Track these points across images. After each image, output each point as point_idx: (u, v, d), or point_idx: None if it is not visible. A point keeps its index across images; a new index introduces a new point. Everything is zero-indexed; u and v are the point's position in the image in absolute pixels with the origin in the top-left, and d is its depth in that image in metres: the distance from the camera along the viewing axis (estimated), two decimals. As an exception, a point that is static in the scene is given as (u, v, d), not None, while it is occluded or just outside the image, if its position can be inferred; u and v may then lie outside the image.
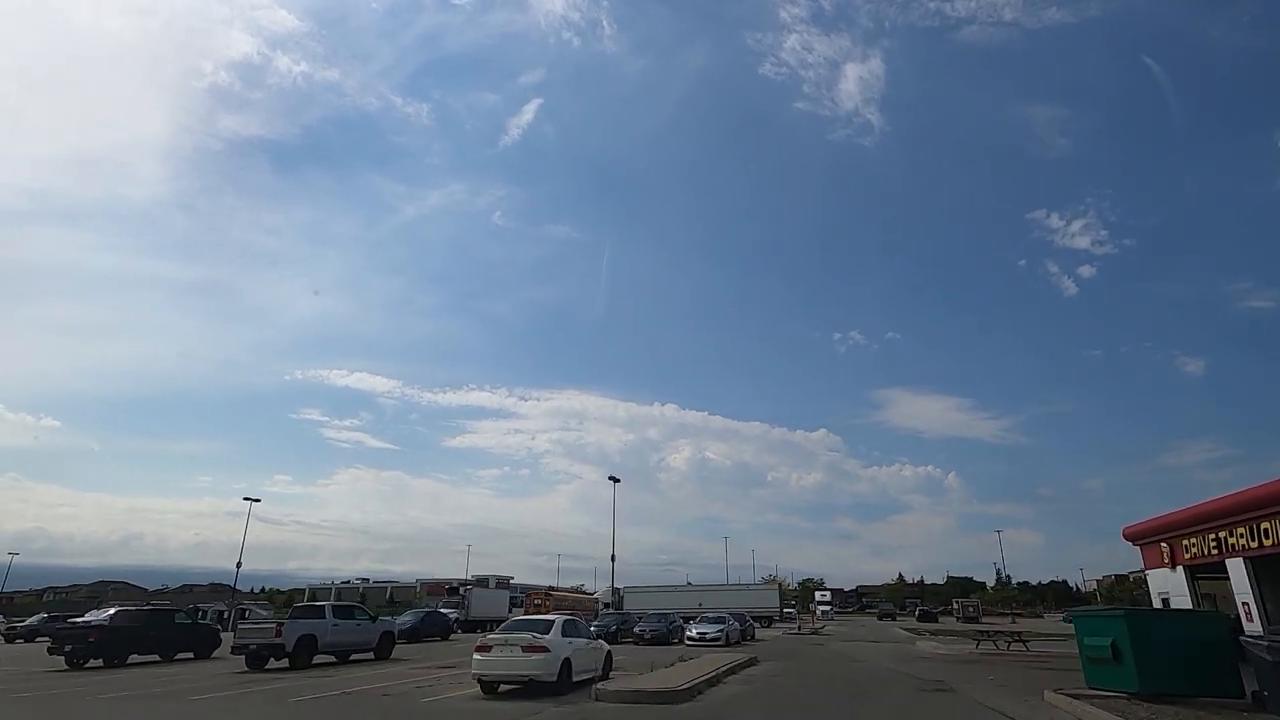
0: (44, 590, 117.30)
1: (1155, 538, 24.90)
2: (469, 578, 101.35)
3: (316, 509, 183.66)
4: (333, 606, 21.81)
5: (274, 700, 12.42)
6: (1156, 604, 25.73)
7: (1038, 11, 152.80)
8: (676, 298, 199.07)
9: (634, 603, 59.65)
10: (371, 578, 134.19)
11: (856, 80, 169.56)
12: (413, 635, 32.88)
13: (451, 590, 56.66)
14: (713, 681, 13.91)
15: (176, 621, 24.25)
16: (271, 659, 19.39)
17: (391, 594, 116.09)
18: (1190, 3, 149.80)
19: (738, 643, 29.94)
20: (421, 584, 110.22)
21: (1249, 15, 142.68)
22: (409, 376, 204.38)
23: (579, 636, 13.84)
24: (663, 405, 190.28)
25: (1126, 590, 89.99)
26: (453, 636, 37.26)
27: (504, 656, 12.30)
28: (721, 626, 28.90)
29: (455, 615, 47.28)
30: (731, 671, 16.32)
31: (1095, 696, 10.94)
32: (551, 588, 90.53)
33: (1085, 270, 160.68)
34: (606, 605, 57.14)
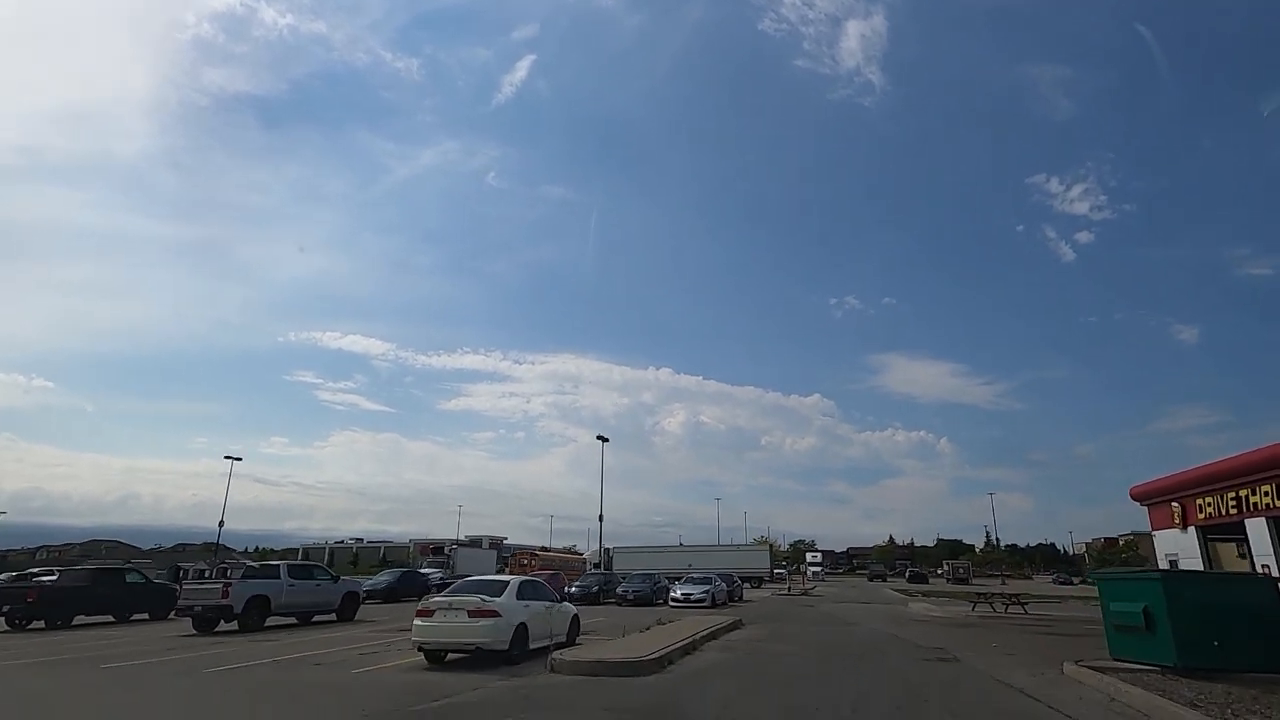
0: (38, 548, 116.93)
1: (1166, 497, 23.56)
2: (463, 538, 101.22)
3: (313, 470, 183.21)
4: (289, 565, 20.36)
5: (186, 670, 10.92)
6: (1164, 566, 24.58)
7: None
8: (672, 259, 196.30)
9: (624, 563, 58.91)
10: (367, 538, 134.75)
11: (858, 38, 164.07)
12: (389, 595, 31.70)
13: (436, 550, 55.72)
14: (688, 649, 12.49)
15: (127, 581, 22.82)
16: (222, 621, 18.11)
17: (385, 554, 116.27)
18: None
19: (724, 604, 28.84)
20: (415, 544, 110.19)
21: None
22: (403, 339, 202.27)
23: (539, 599, 12.34)
24: (657, 369, 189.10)
25: (1116, 553, 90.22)
26: (432, 597, 36.20)
27: (447, 622, 10.78)
28: (707, 587, 27.71)
29: (440, 575, 46.29)
30: (711, 636, 14.95)
31: (1124, 670, 9.51)
32: (543, 547, 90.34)
33: (1083, 236, 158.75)
34: (595, 565, 56.41)
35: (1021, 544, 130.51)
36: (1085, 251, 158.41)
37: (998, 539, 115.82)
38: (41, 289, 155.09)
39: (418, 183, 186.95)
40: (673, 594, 27.97)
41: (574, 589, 29.71)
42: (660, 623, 17.57)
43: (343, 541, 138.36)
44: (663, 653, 11.08)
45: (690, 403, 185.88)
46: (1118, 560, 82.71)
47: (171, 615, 21.86)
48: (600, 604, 28.95)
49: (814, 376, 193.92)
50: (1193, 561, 22.36)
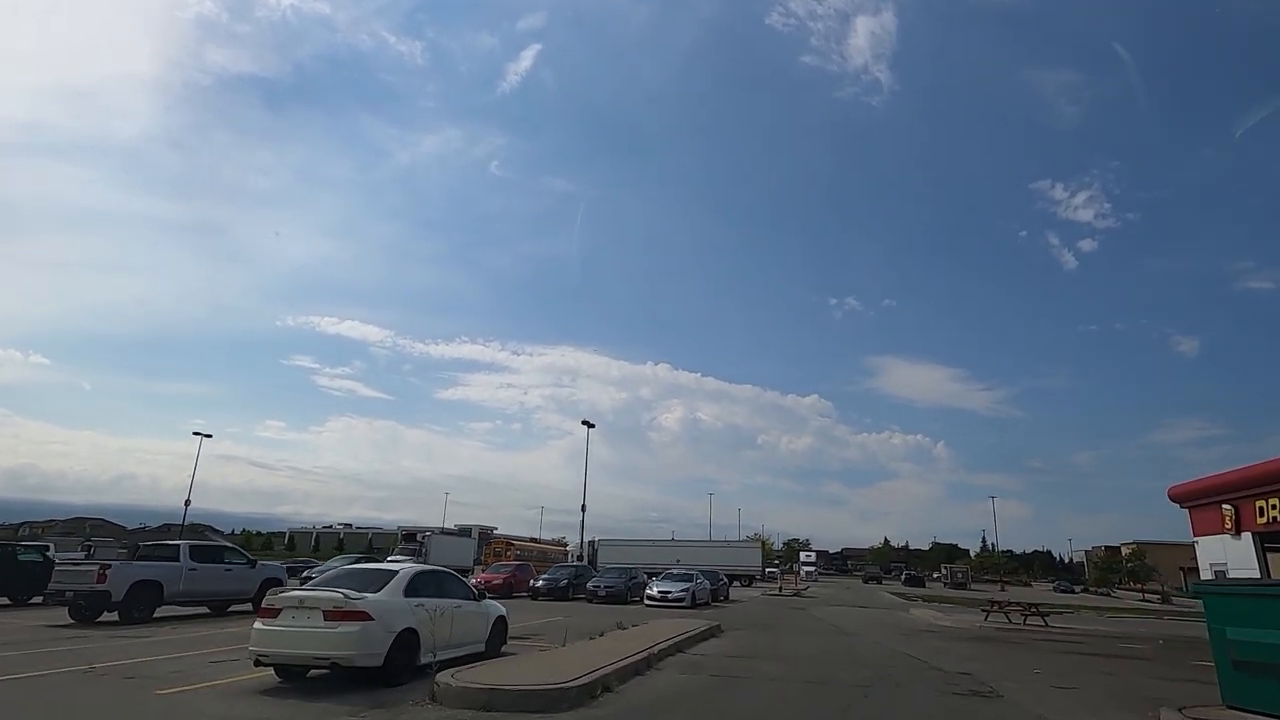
0: (20, 524, 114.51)
1: (1215, 498, 20.51)
2: (451, 526, 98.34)
3: (309, 455, 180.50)
4: (192, 547, 17.33)
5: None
6: (1208, 577, 21.61)
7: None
8: (673, 254, 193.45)
9: (609, 557, 56.01)
10: (357, 524, 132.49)
11: (867, 35, 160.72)
12: (338, 584, 28.75)
13: (409, 536, 52.62)
14: (640, 667, 9.47)
15: (20, 560, 19.81)
16: (106, 611, 15.18)
17: (371, 540, 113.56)
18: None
19: (705, 604, 25.84)
20: (403, 531, 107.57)
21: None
22: (401, 326, 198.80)
23: (442, 596, 9.30)
24: (655, 365, 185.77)
25: (1120, 563, 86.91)
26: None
27: (295, 626, 7.76)
28: (687, 585, 24.70)
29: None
30: (676, 649, 11.94)
31: (1258, 729, 6.51)
32: (533, 539, 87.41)
33: (1086, 244, 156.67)
34: (580, 558, 53.57)
35: (1017, 550, 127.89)
36: (1088, 259, 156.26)
37: (995, 544, 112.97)
38: (39, 265, 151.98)
39: (420, 169, 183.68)
40: (649, 591, 24.97)
41: (540, 583, 26.77)
42: (621, 627, 14.57)
43: (330, 527, 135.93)
44: (599, 675, 8.09)
45: (688, 399, 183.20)
46: (1124, 571, 79.77)
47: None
48: (569, 599, 25.99)
49: (812, 376, 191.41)
50: (1245, 573, 19.34)
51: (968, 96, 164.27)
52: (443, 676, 7.57)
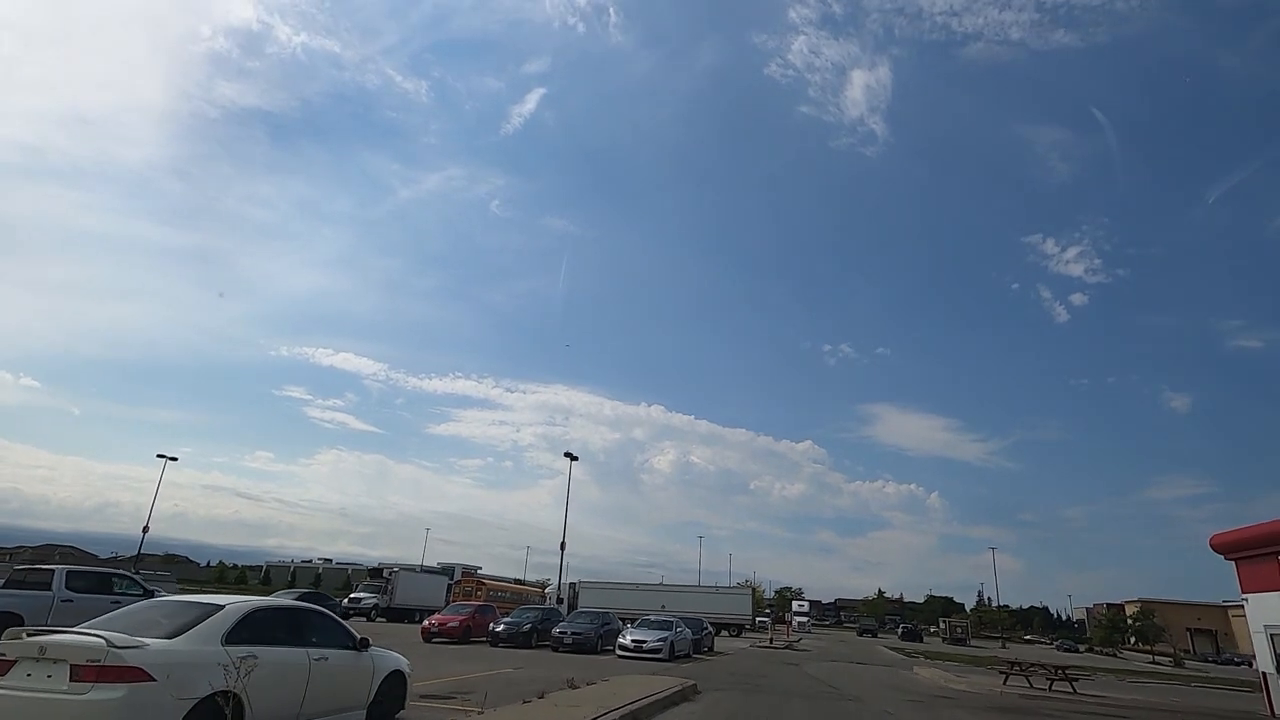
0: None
1: (1270, 548, 17.92)
2: (434, 565, 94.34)
3: (297, 488, 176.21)
4: (69, 573, 14.59)
5: None
6: (1260, 641, 18.75)
7: (1045, 33, 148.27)
8: (669, 298, 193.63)
9: (591, 600, 52.54)
10: (338, 560, 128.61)
11: (863, 88, 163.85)
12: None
13: (375, 572, 49.26)
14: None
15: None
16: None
17: (349, 577, 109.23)
18: (1199, 35, 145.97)
19: (686, 656, 22.81)
20: (373, 568, 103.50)
21: (1257, 47, 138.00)
22: (396, 360, 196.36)
23: (296, 644, 6.65)
24: (649, 406, 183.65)
25: (1124, 621, 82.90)
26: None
27: (28, 690, 5.14)
28: (665, 635, 21.70)
29: (375, 601, 40.40)
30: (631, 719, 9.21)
31: None
32: (518, 580, 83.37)
33: (1077, 298, 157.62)
34: (560, 600, 50.18)
35: (1013, 605, 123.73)
36: (1079, 313, 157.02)
37: (992, 598, 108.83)
38: (35, 287, 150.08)
39: (421, 206, 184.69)
40: (621, 641, 21.94)
41: (501, 627, 23.71)
42: (573, 685, 11.81)
43: (310, 561, 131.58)
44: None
45: (681, 442, 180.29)
46: (1130, 630, 75.99)
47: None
48: (532, 647, 22.91)
49: (806, 422, 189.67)
50: (1310, 637, 16.70)
51: (961, 150, 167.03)
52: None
